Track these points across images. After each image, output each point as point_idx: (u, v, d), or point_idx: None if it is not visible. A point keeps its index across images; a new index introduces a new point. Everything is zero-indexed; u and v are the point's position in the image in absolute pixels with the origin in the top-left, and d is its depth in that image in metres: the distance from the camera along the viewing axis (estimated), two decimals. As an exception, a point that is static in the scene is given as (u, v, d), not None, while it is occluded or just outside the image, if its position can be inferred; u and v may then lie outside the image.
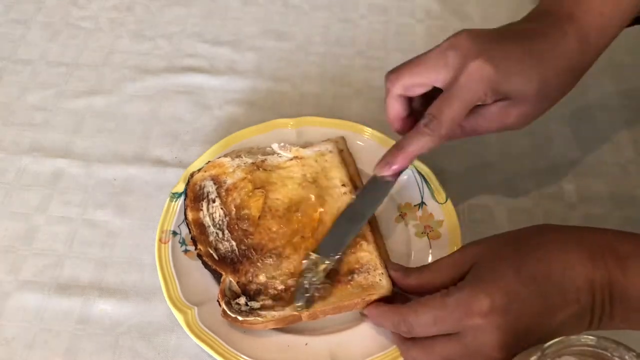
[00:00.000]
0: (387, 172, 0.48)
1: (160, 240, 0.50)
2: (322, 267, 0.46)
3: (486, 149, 0.61)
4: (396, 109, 0.48)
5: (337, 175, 0.53)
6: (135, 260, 0.52)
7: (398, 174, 0.49)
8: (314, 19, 0.72)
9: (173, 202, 0.53)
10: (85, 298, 0.50)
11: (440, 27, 0.72)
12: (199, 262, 0.50)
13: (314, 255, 0.47)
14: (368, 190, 0.50)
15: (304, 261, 0.47)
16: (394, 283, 0.46)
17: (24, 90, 0.64)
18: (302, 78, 0.66)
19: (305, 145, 0.55)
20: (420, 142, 0.46)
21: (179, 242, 0.51)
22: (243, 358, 0.45)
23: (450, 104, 0.44)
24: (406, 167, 0.48)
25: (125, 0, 0.74)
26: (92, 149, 0.59)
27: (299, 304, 0.45)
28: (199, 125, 0.62)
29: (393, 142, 0.56)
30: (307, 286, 0.46)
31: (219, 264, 0.48)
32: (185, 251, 0.50)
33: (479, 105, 0.46)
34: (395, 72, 0.47)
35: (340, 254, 0.47)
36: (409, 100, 0.49)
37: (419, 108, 0.49)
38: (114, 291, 0.51)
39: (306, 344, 0.46)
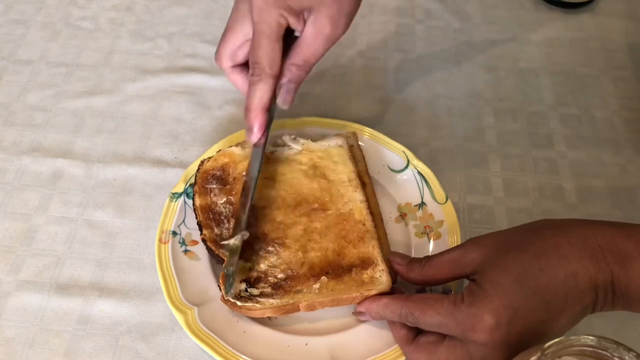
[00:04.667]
0: (254, 137, 0.49)
1: (160, 240, 0.50)
2: (236, 247, 0.46)
3: (486, 149, 0.61)
4: (239, 80, 0.51)
5: (345, 171, 0.53)
6: (135, 260, 0.52)
7: (265, 132, 0.49)
8: (314, 19, 0.72)
9: (173, 202, 0.53)
10: (85, 298, 0.50)
11: (440, 27, 0.72)
12: (199, 263, 0.50)
13: (227, 242, 0.47)
14: (253, 162, 0.50)
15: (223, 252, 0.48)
16: (393, 279, 0.47)
17: (24, 90, 0.64)
18: None
19: (315, 139, 0.55)
20: (258, 92, 0.47)
21: (179, 242, 0.51)
22: (243, 358, 0.45)
23: (258, 43, 0.46)
24: (265, 122, 0.48)
25: (125, 0, 0.74)
26: (92, 149, 0.59)
27: (229, 294, 0.45)
28: (198, 126, 0.62)
29: (393, 142, 0.57)
30: (230, 273, 0.46)
31: (221, 249, 0.48)
32: (185, 251, 0.50)
33: (297, 37, 0.48)
34: (217, 53, 0.50)
35: (244, 230, 0.47)
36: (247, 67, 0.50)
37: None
38: (114, 291, 0.50)
39: (306, 344, 0.46)
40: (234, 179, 0.52)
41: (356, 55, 0.69)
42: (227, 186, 0.52)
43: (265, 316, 0.47)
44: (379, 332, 0.47)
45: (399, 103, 0.64)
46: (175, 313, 0.47)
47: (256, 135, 0.49)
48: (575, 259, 0.38)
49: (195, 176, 0.53)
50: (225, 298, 0.45)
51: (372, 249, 0.48)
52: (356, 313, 0.47)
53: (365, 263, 0.48)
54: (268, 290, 0.46)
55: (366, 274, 0.47)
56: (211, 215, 0.50)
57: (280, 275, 0.47)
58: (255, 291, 0.46)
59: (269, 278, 0.47)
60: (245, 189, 0.49)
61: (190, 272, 0.49)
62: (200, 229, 0.50)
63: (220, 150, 0.54)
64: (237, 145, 0.54)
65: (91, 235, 0.54)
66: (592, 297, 0.38)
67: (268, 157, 0.54)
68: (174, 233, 0.51)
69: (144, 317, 0.49)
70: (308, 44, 0.47)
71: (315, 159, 0.54)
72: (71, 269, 0.52)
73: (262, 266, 0.48)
